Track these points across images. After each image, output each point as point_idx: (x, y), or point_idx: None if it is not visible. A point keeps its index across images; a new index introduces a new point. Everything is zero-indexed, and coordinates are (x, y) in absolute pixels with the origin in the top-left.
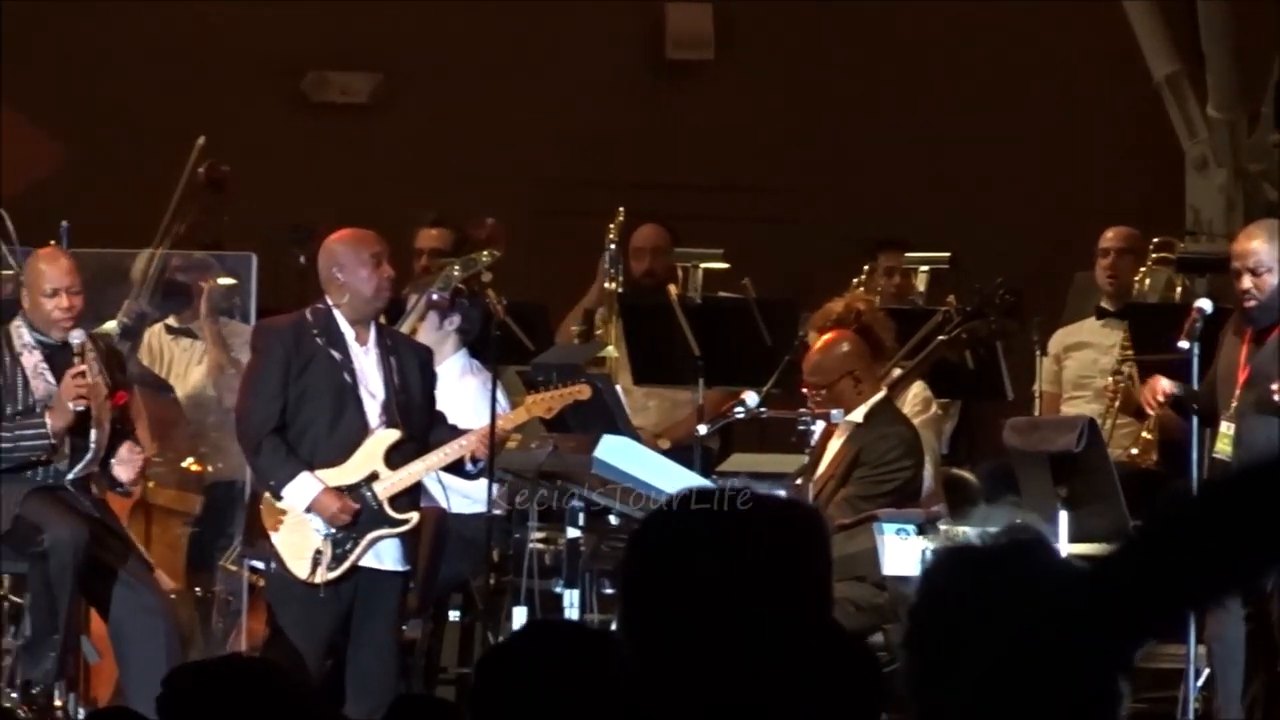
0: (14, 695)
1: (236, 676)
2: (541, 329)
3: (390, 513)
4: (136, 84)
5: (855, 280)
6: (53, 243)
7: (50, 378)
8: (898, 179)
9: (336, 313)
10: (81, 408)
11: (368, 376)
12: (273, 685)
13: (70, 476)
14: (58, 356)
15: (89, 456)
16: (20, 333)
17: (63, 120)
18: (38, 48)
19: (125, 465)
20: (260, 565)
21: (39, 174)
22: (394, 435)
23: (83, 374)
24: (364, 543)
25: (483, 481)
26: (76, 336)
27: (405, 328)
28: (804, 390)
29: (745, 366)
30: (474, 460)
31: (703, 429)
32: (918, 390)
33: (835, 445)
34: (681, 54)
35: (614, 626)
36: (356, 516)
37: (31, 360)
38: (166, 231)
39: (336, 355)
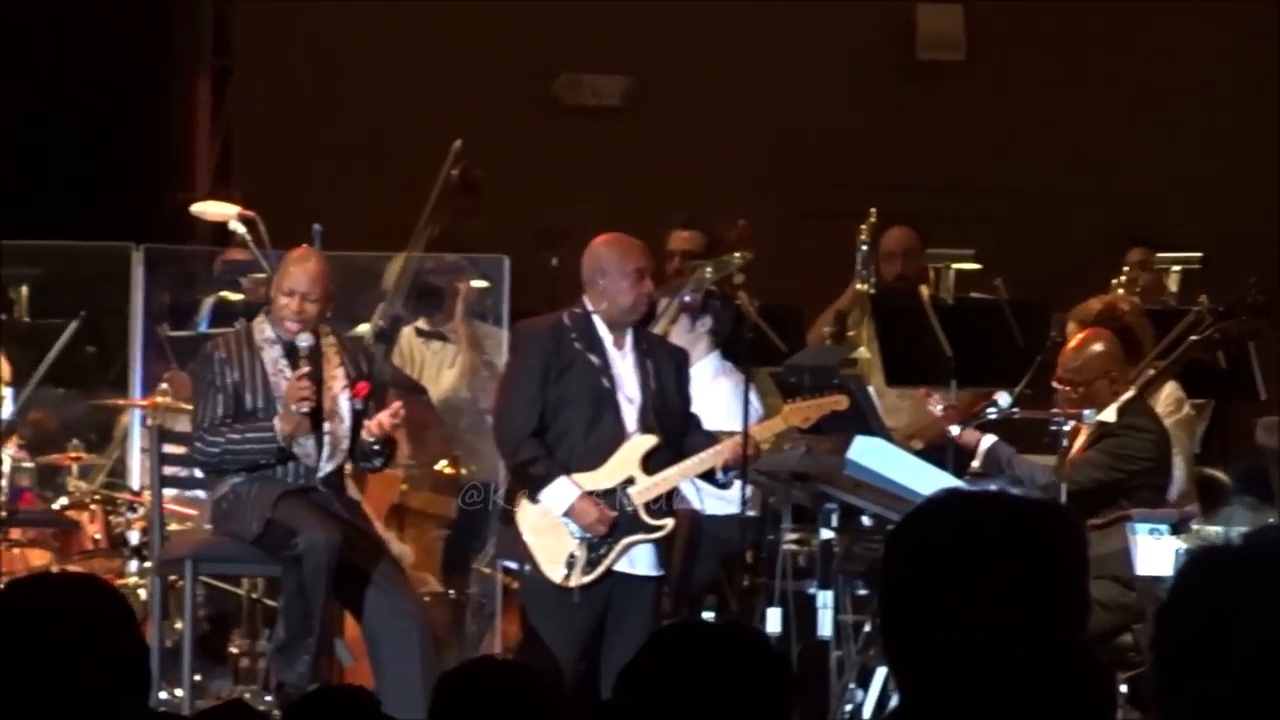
0: (268, 698)
1: (509, 679)
2: (794, 330)
3: (645, 518)
4: (390, 87)
5: (1115, 280)
6: (305, 246)
7: (289, 374)
8: (1148, 178)
9: (595, 317)
10: (306, 410)
11: (625, 381)
12: (523, 687)
13: (320, 474)
14: (296, 352)
15: (329, 451)
16: (263, 328)
17: (316, 124)
18: (293, 50)
19: (374, 421)
20: (514, 567)
21: None
22: (650, 441)
23: (306, 376)
24: (618, 548)
25: (737, 483)
26: (304, 340)
27: (657, 330)
28: (1057, 385)
29: (997, 367)
30: (726, 469)
31: (955, 430)
32: (1170, 390)
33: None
34: (932, 55)
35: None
36: (613, 525)
37: (271, 355)
38: (420, 234)
39: (595, 360)
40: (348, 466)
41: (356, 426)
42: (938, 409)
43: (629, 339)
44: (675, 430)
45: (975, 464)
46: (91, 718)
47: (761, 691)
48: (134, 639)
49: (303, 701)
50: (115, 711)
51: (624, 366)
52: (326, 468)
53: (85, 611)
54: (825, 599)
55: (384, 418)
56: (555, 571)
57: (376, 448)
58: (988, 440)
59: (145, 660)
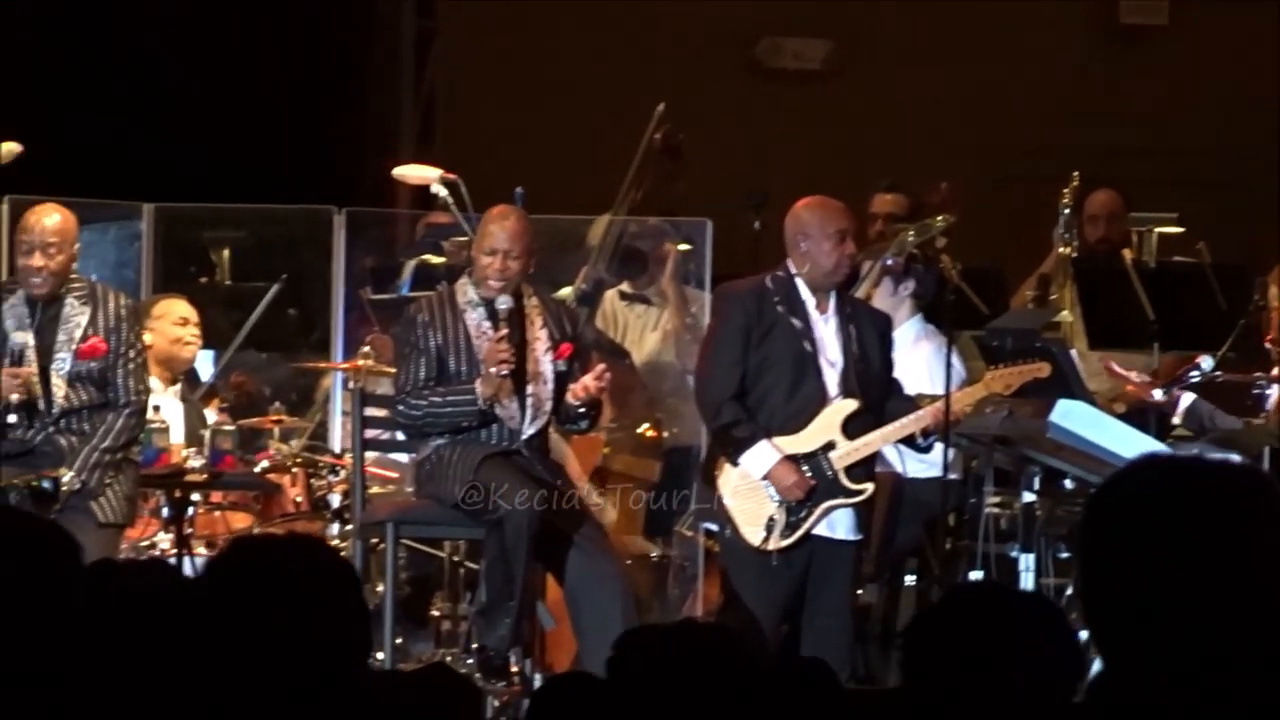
0: (470, 661)
1: (690, 641)
2: (997, 294)
3: (845, 482)
4: (592, 52)
5: None
6: (505, 205)
7: (492, 335)
8: None
9: (798, 280)
10: (504, 372)
11: (827, 345)
12: (727, 651)
13: (523, 437)
14: (498, 314)
15: (531, 414)
16: (465, 291)
17: (519, 87)
18: (496, 13)
19: (579, 385)
20: (715, 530)
21: None
22: (852, 405)
23: (505, 339)
24: (818, 512)
25: (939, 445)
26: (503, 302)
27: (860, 293)
28: (1270, 346)
29: (1200, 331)
30: (926, 434)
31: (1158, 394)
32: None
33: None
34: (1135, 19)
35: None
36: (811, 490)
37: (474, 318)
38: (624, 198)
39: (797, 323)
40: (551, 428)
41: (560, 388)
42: (1131, 375)
43: (832, 302)
44: (877, 395)
45: (1175, 420)
46: (315, 679)
47: (1053, 661)
48: (356, 601)
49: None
50: (338, 673)
51: (826, 330)
52: (529, 430)
53: (310, 572)
54: (1027, 562)
55: (589, 381)
56: (754, 535)
57: (582, 410)
58: (1187, 398)
59: (367, 623)
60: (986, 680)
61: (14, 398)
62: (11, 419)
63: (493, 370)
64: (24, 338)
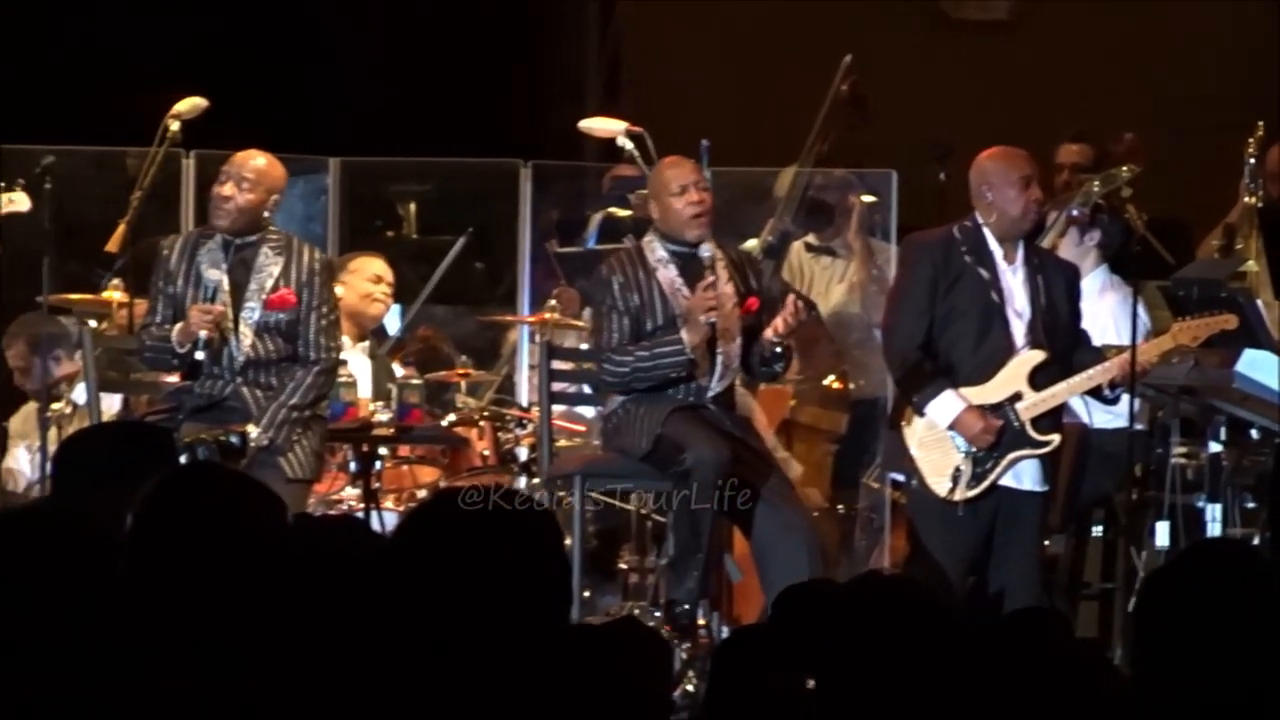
0: (657, 614)
1: (869, 592)
2: (1182, 244)
3: (1032, 433)
4: (777, 3)
5: None
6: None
7: (687, 292)
8: None
9: (985, 230)
10: (713, 320)
11: (1014, 295)
12: (910, 602)
13: (711, 393)
14: (690, 268)
15: (720, 371)
16: (653, 247)
17: (704, 38)
18: None
19: (778, 321)
20: (901, 480)
21: None
22: (1038, 356)
23: (712, 285)
24: (1004, 462)
25: (1125, 396)
26: (706, 250)
27: (1045, 243)
28: None
29: None
30: (1113, 385)
31: None
32: None
33: None
34: None
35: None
36: (999, 436)
37: (667, 275)
38: (810, 150)
39: (984, 274)
40: (738, 382)
41: (748, 342)
42: None
43: (1020, 253)
44: (1064, 346)
45: None
46: (514, 631)
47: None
48: (558, 555)
49: None
50: (537, 626)
51: (1014, 281)
52: (716, 387)
53: (511, 525)
54: (1214, 513)
55: (786, 316)
56: (940, 485)
57: (779, 350)
58: None
59: (568, 577)
60: (1225, 644)
61: (203, 334)
62: (200, 355)
63: (701, 318)
64: (218, 276)
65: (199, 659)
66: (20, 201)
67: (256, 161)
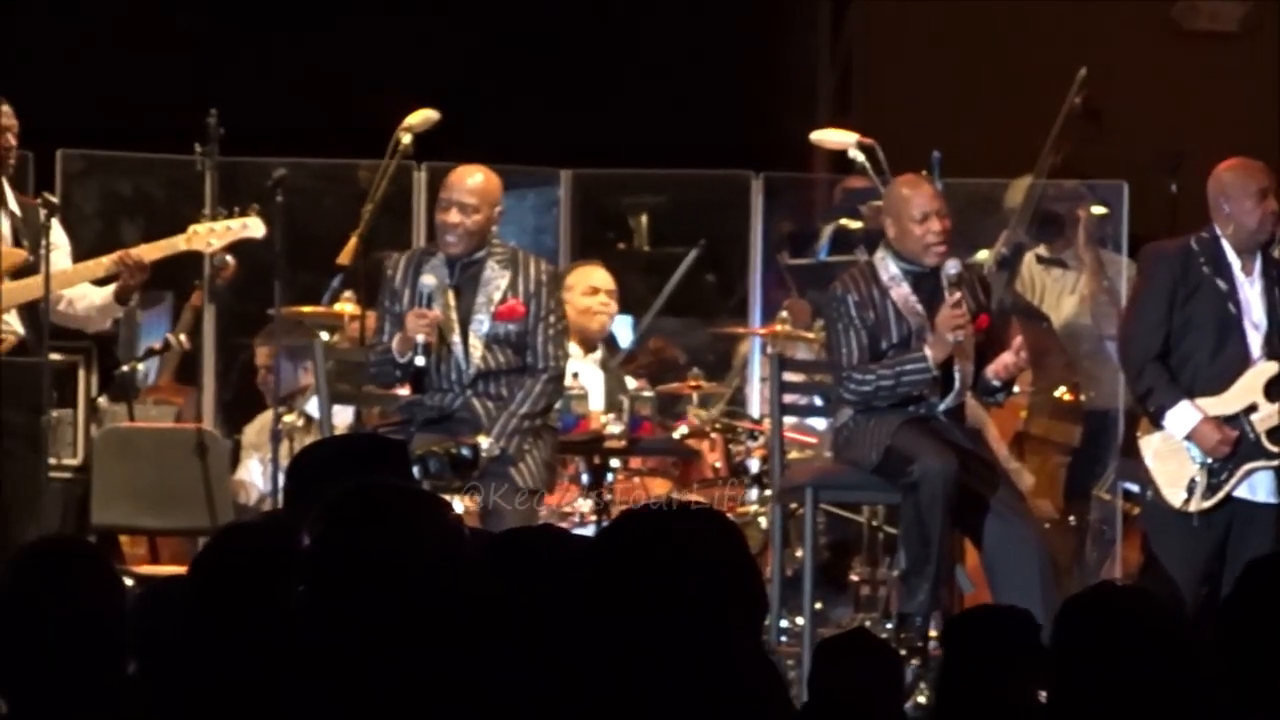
0: (889, 626)
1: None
2: None
3: (1267, 445)
4: (1008, 14)
5: None
6: (912, 174)
7: (920, 309)
8: None
9: (1223, 242)
10: (960, 338)
11: (1251, 307)
12: (1146, 613)
13: (941, 409)
14: (923, 285)
15: (956, 389)
16: (886, 265)
17: (936, 48)
18: None
19: (995, 366)
20: (1135, 490)
21: None
22: (1274, 367)
23: (960, 303)
24: (1239, 474)
25: None
26: (953, 266)
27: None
28: None
29: None
30: None
31: None
32: None
33: None
34: None
35: None
36: (1235, 447)
37: (901, 293)
38: (1043, 162)
39: (1222, 285)
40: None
41: (979, 359)
42: None
43: (1257, 265)
44: None
45: None
46: (708, 643)
47: None
48: (748, 567)
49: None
50: (730, 639)
51: (1251, 292)
52: (951, 404)
53: (701, 539)
54: None
55: (1009, 359)
56: (1175, 496)
57: (999, 385)
58: None
59: (760, 587)
60: None
61: (420, 338)
62: (420, 361)
63: (949, 336)
64: (433, 282)
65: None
66: (255, 227)
67: (473, 181)
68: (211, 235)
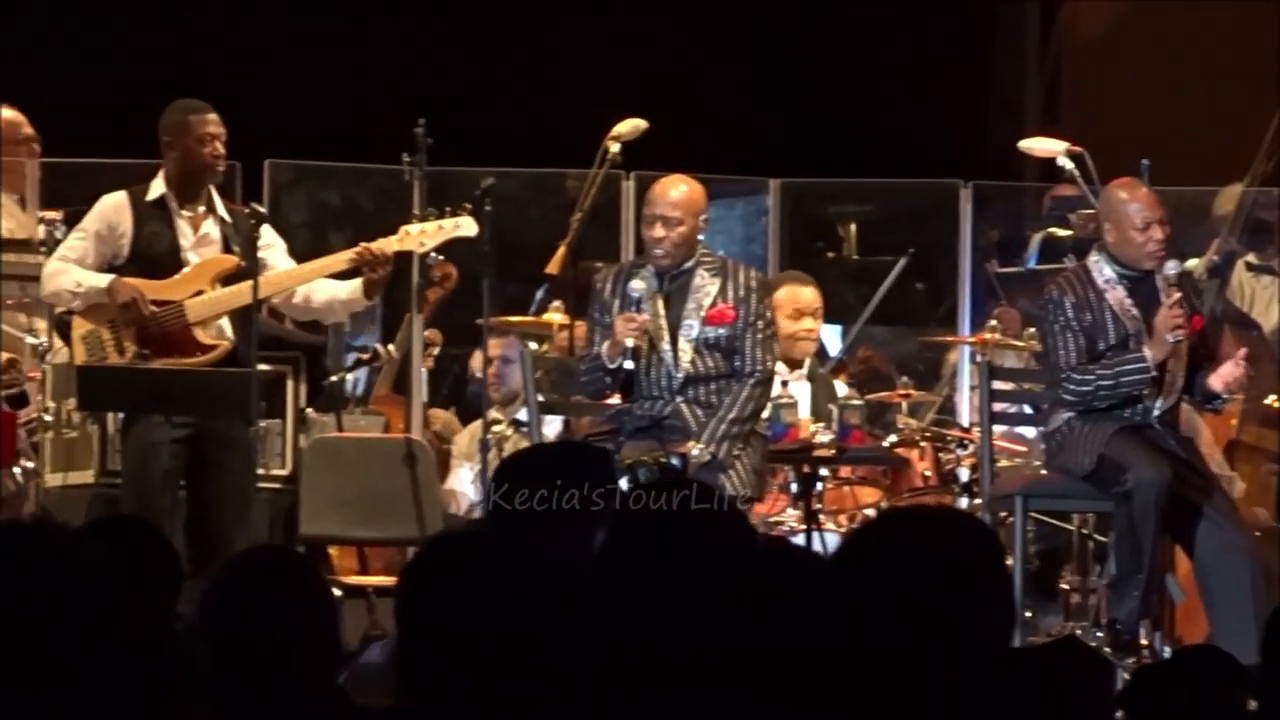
0: (1099, 634)
1: None
2: None
3: None
4: (1214, 20)
5: None
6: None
7: (1136, 313)
8: None
9: None
10: (1179, 338)
11: None
12: None
13: (1156, 413)
14: (1139, 289)
15: (1170, 391)
16: (1100, 268)
17: (1144, 53)
18: None
19: (1220, 377)
20: None
21: None
22: None
23: (1178, 304)
24: None
25: None
26: (1172, 267)
27: None
28: None
29: None
30: None
31: None
32: None
33: None
34: None
35: None
36: None
37: (1116, 296)
38: (1257, 168)
39: None
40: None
41: (1192, 362)
42: None
43: None
44: None
45: None
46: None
47: None
48: (1002, 576)
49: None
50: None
51: None
52: (1163, 407)
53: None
54: None
55: (1232, 370)
56: None
57: (1219, 393)
58: None
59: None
60: None
61: (629, 342)
62: (629, 365)
63: (1168, 337)
64: (641, 286)
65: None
66: (467, 226)
67: (675, 193)
68: (424, 235)
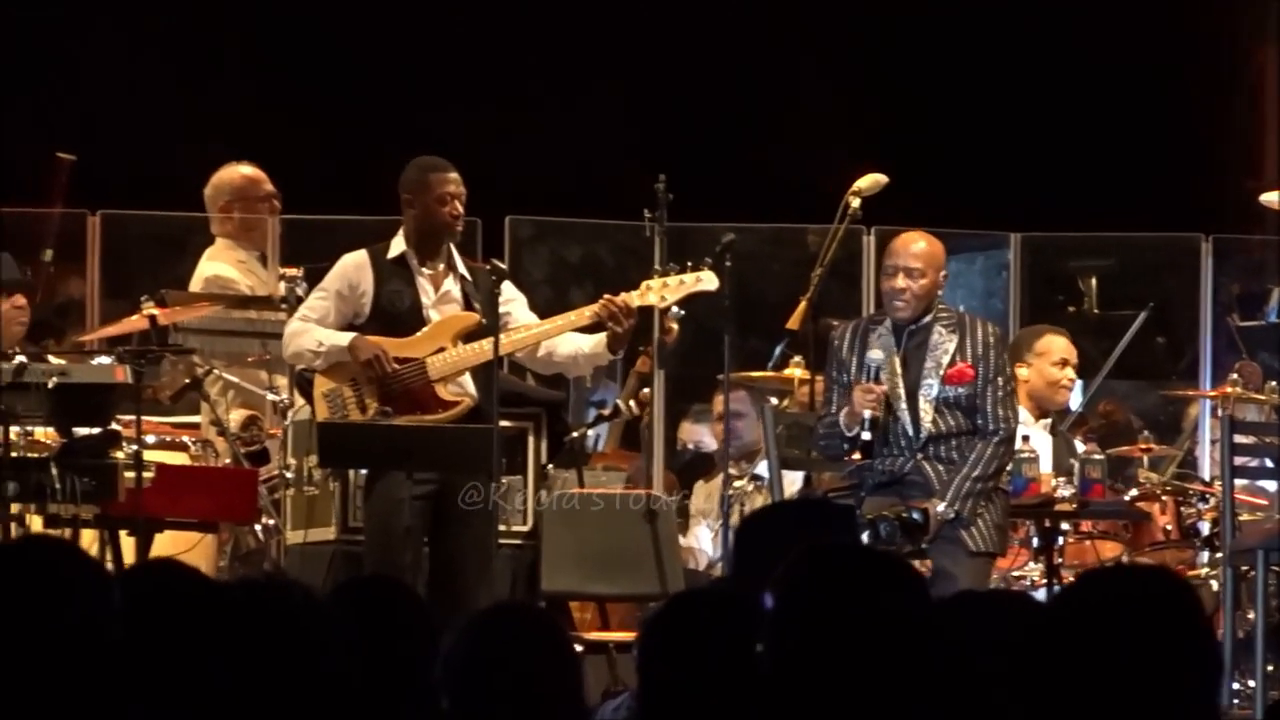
0: None
1: None
2: None
3: None
4: None
5: None
6: None
7: None
8: None
9: None
10: None
11: None
12: None
13: None
14: None
15: None
16: None
17: None
18: None
19: None
20: None
21: None
22: None
23: None
24: None
25: None
26: None
27: None
28: None
29: None
30: None
31: None
32: None
33: None
34: None
35: None
36: None
37: None
38: None
39: None
40: None
41: None
42: None
43: None
44: None
45: None
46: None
47: None
48: (1203, 628)
49: None
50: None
51: None
52: None
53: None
54: None
55: None
56: None
57: None
58: None
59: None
60: None
61: (867, 413)
62: (866, 436)
63: None
64: (879, 356)
65: None
66: (708, 281)
67: (916, 247)
68: (665, 290)
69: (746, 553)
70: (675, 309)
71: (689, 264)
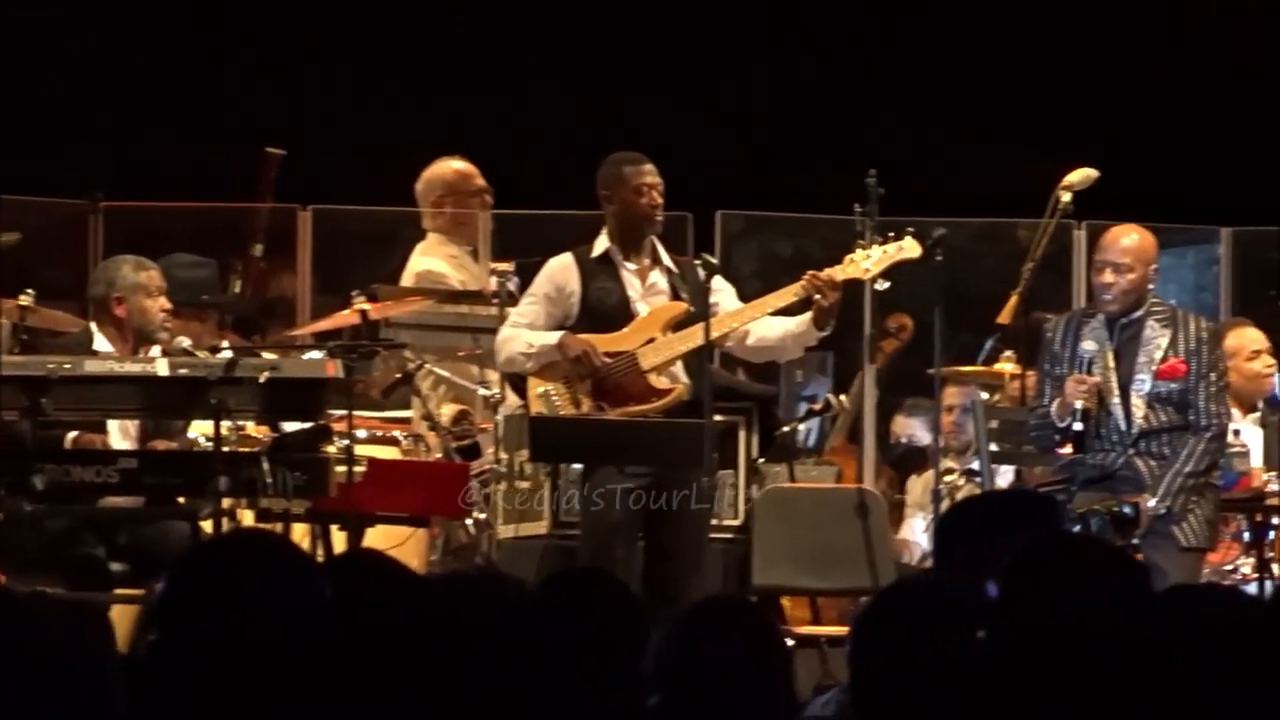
0: None
1: None
2: None
3: None
4: None
5: None
6: None
7: None
8: None
9: None
10: None
11: None
12: None
13: None
14: None
15: None
16: None
17: None
18: None
19: None
20: None
21: None
22: None
23: None
24: None
25: None
26: None
27: None
28: None
29: None
30: None
31: None
32: None
33: None
34: None
35: None
36: None
37: None
38: None
39: None
40: None
41: None
42: None
43: None
44: None
45: None
46: None
47: None
48: None
49: None
50: None
51: None
52: None
53: None
54: None
55: None
56: None
57: None
58: None
59: None
60: None
61: (1079, 404)
62: (1078, 427)
63: None
64: (1093, 347)
65: None
66: (910, 248)
67: (1126, 241)
68: (867, 260)
69: (950, 545)
70: (882, 280)
71: (890, 234)
